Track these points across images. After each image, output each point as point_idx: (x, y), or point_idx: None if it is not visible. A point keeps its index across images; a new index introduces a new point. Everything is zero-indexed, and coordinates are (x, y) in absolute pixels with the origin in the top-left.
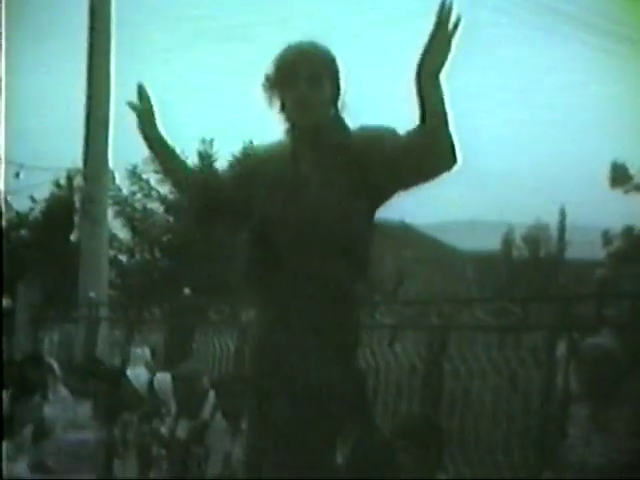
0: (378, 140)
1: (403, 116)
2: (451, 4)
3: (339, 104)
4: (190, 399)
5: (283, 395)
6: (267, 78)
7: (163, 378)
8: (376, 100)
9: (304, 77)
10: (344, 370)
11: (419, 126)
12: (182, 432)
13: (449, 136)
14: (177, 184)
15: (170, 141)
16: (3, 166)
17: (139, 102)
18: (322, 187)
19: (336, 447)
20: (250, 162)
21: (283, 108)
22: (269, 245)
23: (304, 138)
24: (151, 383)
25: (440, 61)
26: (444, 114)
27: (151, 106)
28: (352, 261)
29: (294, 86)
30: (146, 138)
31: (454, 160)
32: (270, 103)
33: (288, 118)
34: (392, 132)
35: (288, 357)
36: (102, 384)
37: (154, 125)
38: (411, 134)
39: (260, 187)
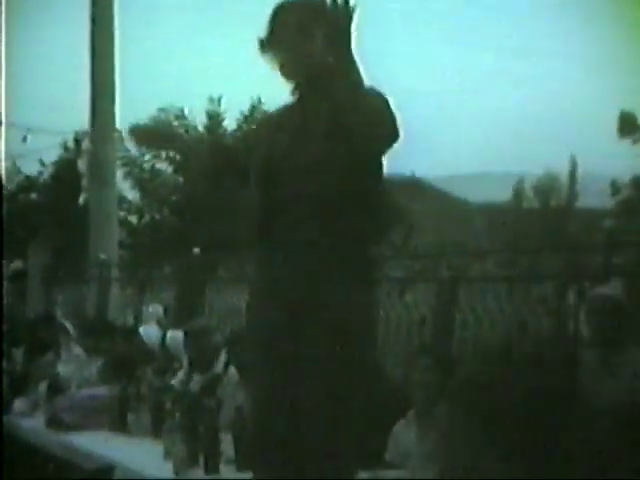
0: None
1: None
2: None
3: (344, 51)
4: (202, 354)
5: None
6: (260, 42)
7: (175, 335)
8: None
9: (292, 30)
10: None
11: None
12: (195, 386)
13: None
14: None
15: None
16: (3, 129)
17: None
18: (321, 137)
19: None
20: (259, 123)
21: (283, 68)
22: (273, 197)
23: (302, 90)
24: (163, 339)
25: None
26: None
27: None
28: (359, 208)
29: (284, 40)
30: None
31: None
32: (272, 66)
33: (285, 75)
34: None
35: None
36: (115, 342)
37: None
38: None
39: (265, 143)
